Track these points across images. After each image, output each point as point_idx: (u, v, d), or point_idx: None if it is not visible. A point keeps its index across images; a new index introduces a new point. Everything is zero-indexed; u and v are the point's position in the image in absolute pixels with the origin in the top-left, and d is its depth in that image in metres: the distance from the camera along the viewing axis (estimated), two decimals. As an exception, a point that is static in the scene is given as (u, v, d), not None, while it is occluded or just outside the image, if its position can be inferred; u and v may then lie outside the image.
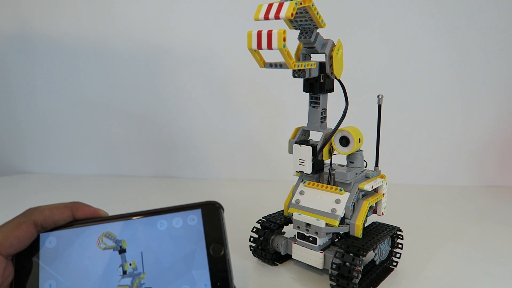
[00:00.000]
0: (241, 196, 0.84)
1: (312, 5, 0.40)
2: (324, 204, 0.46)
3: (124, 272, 0.28)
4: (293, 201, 0.48)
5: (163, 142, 1.02)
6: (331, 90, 0.46)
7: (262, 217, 0.52)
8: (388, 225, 0.50)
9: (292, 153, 0.48)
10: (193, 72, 0.98)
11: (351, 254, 0.42)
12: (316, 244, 0.45)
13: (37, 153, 1.05)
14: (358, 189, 0.46)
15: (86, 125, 1.03)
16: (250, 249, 0.52)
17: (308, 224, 0.45)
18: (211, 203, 0.30)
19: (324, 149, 0.46)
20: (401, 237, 0.50)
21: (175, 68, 0.99)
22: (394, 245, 0.50)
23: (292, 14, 0.37)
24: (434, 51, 0.93)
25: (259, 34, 0.37)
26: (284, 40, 0.36)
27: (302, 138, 0.49)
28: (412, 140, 0.97)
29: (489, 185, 0.96)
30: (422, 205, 0.79)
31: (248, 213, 0.70)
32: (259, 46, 0.38)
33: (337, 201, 0.45)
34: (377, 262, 0.47)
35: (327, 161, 0.48)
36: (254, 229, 0.51)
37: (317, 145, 0.46)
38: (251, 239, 0.51)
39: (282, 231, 0.53)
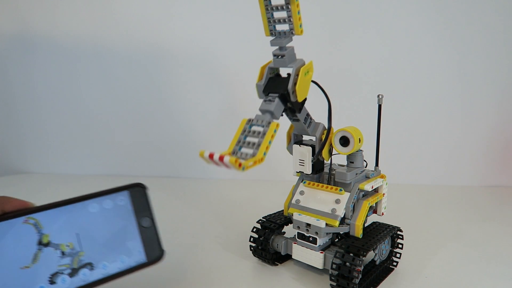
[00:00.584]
0: (241, 196, 0.84)
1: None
2: (324, 204, 0.46)
3: (63, 253, 0.30)
4: (293, 201, 0.48)
5: (163, 142, 1.02)
6: (304, 103, 0.42)
7: (262, 217, 0.52)
8: (388, 225, 0.50)
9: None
10: (193, 72, 0.98)
11: (351, 254, 0.41)
12: (316, 244, 0.45)
13: (37, 153, 1.05)
14: (358, 189, 0.46)
15: (86, 125, 1.03)
16: (250, 249, 0.52)
17: (308, 224, 0.45)
18: (136, 184, 0.35)
19: (324, 149, 0.46)
20: (401, 237, 0.50)
21: (175, 68, 0.99)
22: (394, 245, 0.50)
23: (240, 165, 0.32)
24: (434, 51, 0.93)
25: (212, 157, 0.34)
26: (240, 165, 0.32)
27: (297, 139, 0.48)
28: (412, 140, 0.97)
29: (489, 185, 0.96)
30: (422, 205, 0.79)
31: (248, 213, 0.70)
32: (218, 165, 0.35)
33: (337, 201, 0.45)
34: (377, 262, 0.47)
35: (327, 161, 0.48)
36: (254, 229, 0.51)
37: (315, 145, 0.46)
38: (251, 239, 0.51)
39: (282, 231, 0.53)
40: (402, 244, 0.51)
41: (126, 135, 1.03)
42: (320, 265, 0.45)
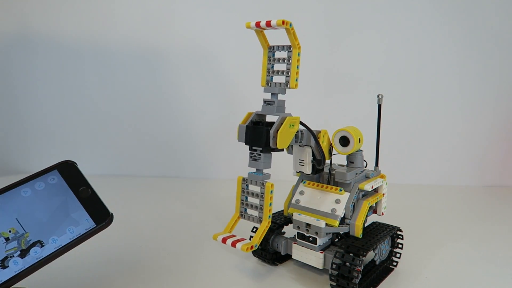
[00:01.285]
0: (241, 196, 0.83)
1: (299, 54, 0.38)
2: (324, 204, 0.46)
3: (7, 239, 0.32)
4: (293, 201, 0.48)
5: (164, 142, 1.02)
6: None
7: (262, 217, 0.52)
8: (388, 225, 0.50)
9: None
10: (194, 72, 0.99)
11: (351, 254, 0.42)
12: (316, 244, 0.45)
13: (39, 153, 1.05)
14: (358, 189, 0.46)
15: (87, 125, 1.03)
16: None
17: (308, 224, 0.45)
18: (64, 162, 0.37)
19: (324, 149, 0.46)
20: (401, 237, 0.50)
21: (175, 68, 0.99)
22: (394, 245, 0.50)
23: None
24: (434, 51, 0.93)
25: (224, 242, 0.40)
26: (252, 247, 0.38)
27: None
28: (412, 140, 0.97)
29: (489, 185, 0.96)
30: (422, 205, 0.79)
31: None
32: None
33: (337, 201, 0.45)
34: (377, 262, 0.47)
35: (327, 161, 0.48)
36: (254, 229, 0.52)
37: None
38: (251, 239, 0.51)
39: (282, 231, 0.53)
40: (402, 244, 0.51)
41: (126, 135, 1.03)
42: (320, 265, 0.45)
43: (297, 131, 0.42)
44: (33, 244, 0.32)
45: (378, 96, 0.49)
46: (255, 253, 0.52)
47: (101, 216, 0.35)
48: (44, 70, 1.01)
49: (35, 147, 1.05)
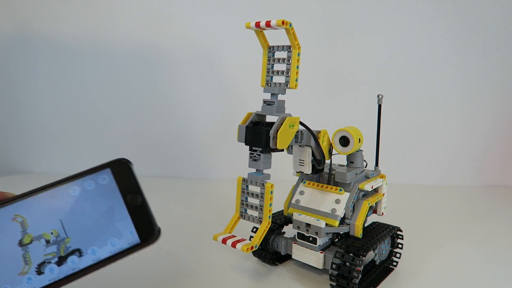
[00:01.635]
0: (241, 196, 0.83)
1: (299, 54, 0.38)
2: (324, 204, 0.46)
3: (47, 242, 0.29)
4: (293, 201, 0.48)
5: (163, 141, 1.02)
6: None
7: (262, 217, 0.52)
8: (388, 225, 0.50)
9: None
10: (194, 72, 0.99)
11: (351, 254, 0.42)
12: (316, 244, 0.45)
13: (39, 153, 1.05)
14: (358, 189, 0.46)
15: (88, 125, 1.03)
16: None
17: (308, 224, 0.45)
18: (118, 160, 0.32)
19: (324, 149, 0.46)
20: (401, 237, 0.50)
21: (175, 68, 0.99)
22: (394, 245, 0.50)
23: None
24: (434, 51, 0.93)
25: (225, 243, 0.40)
26: (252, 248, 0.38)
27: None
28: (412, 140, 0.97)
29: (489, 185, 0.96)
30: (422, 205, 0.79)
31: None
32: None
33: (337, 201, 0.45)
34: (377, 262, 0.47)
35: (327, 161, 0.48)
36: (254, 229, 0.52)
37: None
38: (251, 239, 0.51)
39: (282, 231, 0.53)
40: (402, 244, 0.51)
41: (126, 135, 1.03)
42: (320, 265, 0.45)
43: (297, 131, 0.42)
44: (72, 252, 0.29)
45: (378, 96, 0.49)
46: (255, 253, 0.52)
47: (147, 231, 0.30)
48: (44, 70, 1.01)
49: (35, 147, 1.05)
